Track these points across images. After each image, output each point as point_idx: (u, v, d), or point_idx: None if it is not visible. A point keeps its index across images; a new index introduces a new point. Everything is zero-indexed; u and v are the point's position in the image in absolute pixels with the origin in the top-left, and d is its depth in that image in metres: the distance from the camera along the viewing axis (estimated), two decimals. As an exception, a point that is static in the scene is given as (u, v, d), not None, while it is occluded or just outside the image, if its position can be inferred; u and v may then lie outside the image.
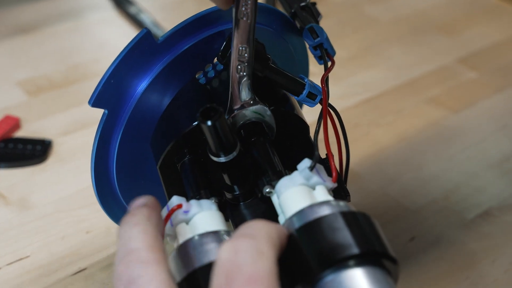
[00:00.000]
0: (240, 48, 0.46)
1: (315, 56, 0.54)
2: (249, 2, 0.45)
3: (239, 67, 0.46)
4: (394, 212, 0.65)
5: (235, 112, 0.46)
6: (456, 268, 0.60)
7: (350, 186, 0.67)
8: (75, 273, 0.58)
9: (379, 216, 0.64)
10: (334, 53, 0.54)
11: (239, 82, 0.46)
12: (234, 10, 0.45)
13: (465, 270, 0.59)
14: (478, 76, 0.88)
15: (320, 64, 0.54)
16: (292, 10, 0.56)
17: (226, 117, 0.46)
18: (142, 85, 0.48)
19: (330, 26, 0.99)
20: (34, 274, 0.58)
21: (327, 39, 0.54)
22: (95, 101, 0.46)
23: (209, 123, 0.42)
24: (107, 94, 0.47)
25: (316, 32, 0.54)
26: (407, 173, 0.71)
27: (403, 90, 0.85)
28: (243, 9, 0.45)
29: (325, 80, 0.49)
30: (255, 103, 0.47)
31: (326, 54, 0.53)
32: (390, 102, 0.82)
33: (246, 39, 0.45)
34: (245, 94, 0.46)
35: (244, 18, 0.45)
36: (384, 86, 0.85)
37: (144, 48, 0.47)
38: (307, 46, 0.55)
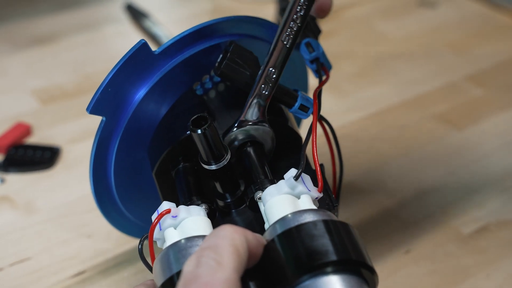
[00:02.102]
0: (271, 69, 0.47)
1: (312, 70, 0.56)
2: (295, 28, 0.47)
3: (263, 86, 0.47)
4: (391, 224, 0.66)
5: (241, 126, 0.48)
6: (450, 282, 0.60)
7: (349, 197, 0.69)
8: (74, 276, 0.60)
9: (376, 227, 0.65)
10: (330, 67, 0.55)
11: (257, 101, 0.48)
12: (278, 32, 0.47)
13: (459, 284, 0.60)
14: (485, 93, 0.88)
15: (316, 77, 0.55)
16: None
17: (235, 129, 0.48)
18: (140, 94, 0.49)
19: (341, 41, 1.00)
20: (35, 275, 0.60)
21: (323, 53, 0.55)
22: (93, 108, 0.48)
23: (199, 131, 0.44)
24: (105, 102, 0.48)
25: (312, 46, 0.55)
26: (407, 186, 0.71)
27: (408, 106, 0.85)
28: (287, 33, 0.47)
29: (317, 93, 0.50)
30: (261, 123, 0.48)
31: (321, 68, 0.54)
32: (395, 117, 0.83)
33: (280, 63, 0.47)
34: (255, 113, 0.48)
35: (285, 42, 0.47)
36: (390, 102, 0.86)
37: (141, 58, 0.48)
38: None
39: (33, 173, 0.72)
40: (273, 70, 0.48)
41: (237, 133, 0.48)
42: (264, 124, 0.48)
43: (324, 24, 1.04)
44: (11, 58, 0.94)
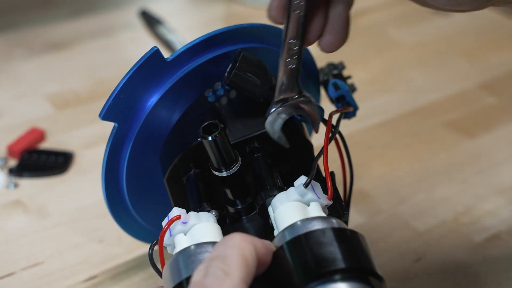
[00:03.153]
0: (291, 41, 0.46)
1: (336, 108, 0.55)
2: None
3: (288, 60, 0.47)
4: (402, 232, 0.66)
5: (280, 105, 0.47)
6: (461, 290, 0.60)
7: (360, 205, 0.69)
8: (86, 280, 0.60)
9: (387, 236, 0.65)
10: (357, 108, 0.55)
11: (289, 75, 0.46)
12: (288, 2, 0.45)
13: (470, 293, 0.60)
14: (498, 101, 0.88)
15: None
16: (324, 78, 0.57)
17: (274, 109, 0.47)
18: (152, 101, 0.50)
19: (354, 48, 1.00)
20: (46, 279, 0.60)
21: (348, 92, 0.55)
22: (106, 114, 0.49)
23: (209, 138, 0.44)
24: (117, 108, 0.49)
25: (338, 86, 0.55)
26: (419, 194, 0.71)
27: (421, 114, 0.85)
28: (297, 1, 0.45)
29: (337, 119, 0.51)
30: (301, 96, 0.47)
31: (346, 107, 0.54)
32: (407, 125, 0.83)
33: (297, 33, 0.46)
34: (292, 86, 0.47)
35: (297, 11, 0.45)
36: (402, 109, 0.86)
37: (153, 65, 0.48)
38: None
39: (46, 178, 0.73)
40: (294, 41, 0.47)
41: (282, 110, 0.47)
42: (306, 96, 0.47)
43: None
44: (26, 63, 0.95)
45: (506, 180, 0.74)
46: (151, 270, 0.60)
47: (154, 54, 0.48)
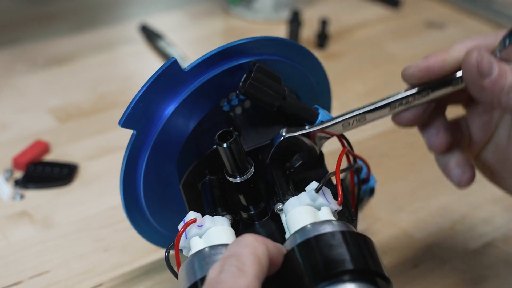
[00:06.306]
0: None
1: None
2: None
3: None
4: (400, 239, 0.68)
5: None
6: (458, 296, 0.62)
7: (359, 213, 0.70)
8: (92, 289, 0.62)
9: (385, 243, 0.67)
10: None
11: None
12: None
13: (467, 298, 0.62)
14: (491, 114, 0.90)
15: None
16: None
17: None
18: (169, 109, 0.51)
19: (351, 62, 1.03)
20: (53, 288, 0.62)
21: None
22: (125, 122, 0.50)
23: (225, 145, 0.46)
24: (136, 116, 0.50)
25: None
26: (415, 203, 0.73)
27: (416, 125, 0.87)
28: None
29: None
30: None
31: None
32: (403, 136, 0.85)
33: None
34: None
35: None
36: (398, 121, 0.88)
37: (171, 75, 0.50)
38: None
39: (51, 189, 0.74)
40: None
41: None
42: None
43: (334, 45, 1.07)
44: (29, 77, 0.96)
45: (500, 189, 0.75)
46: (156, 278, 0.63)
47: (172, 65, 0.50)
